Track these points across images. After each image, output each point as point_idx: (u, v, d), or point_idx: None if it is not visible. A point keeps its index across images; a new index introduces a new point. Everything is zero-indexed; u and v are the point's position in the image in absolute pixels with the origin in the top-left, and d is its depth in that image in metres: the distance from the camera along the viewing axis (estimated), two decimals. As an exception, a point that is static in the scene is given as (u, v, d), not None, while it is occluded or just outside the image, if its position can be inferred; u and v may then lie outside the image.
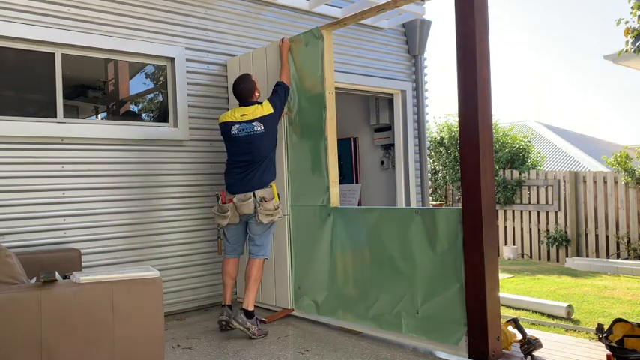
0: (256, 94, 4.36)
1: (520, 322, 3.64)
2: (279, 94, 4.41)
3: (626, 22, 5.28)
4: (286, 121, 4.70)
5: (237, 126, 4.25)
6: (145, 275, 2.99)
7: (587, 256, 9.74)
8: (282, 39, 4.67)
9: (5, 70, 4.29)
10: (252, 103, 4.30)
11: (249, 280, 4.18)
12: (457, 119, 3.72)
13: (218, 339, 4.06)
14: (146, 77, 5.11)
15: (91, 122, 4.74)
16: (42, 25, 4.30)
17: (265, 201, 4.14)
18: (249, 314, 4.06)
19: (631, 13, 5.22)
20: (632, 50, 5.24)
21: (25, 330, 2.61)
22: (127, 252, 4.68)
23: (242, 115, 4.25)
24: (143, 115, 5.14)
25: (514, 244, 10.72)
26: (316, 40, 4.43)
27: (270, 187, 4.23)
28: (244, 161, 4.22)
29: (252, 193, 4.15)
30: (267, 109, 4.25)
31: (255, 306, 4.91)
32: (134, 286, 2.94)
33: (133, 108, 5.16)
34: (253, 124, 4.21)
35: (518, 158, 11.57)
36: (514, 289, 6.75)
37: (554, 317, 5.36)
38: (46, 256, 3.93)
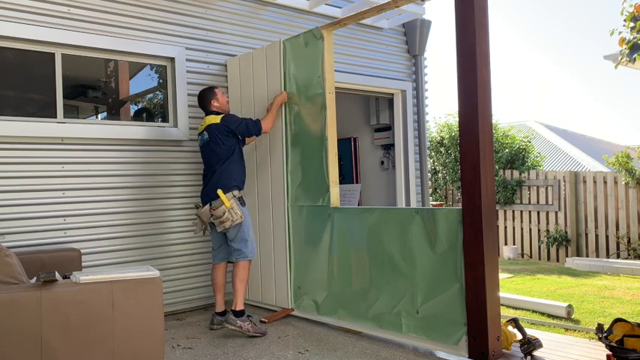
0: (214, 103, 4.39)
1: (520, 322, 3.64)
2: (244, 118, 4.39)
3: (620, 33, 5.27)
4: (286, 121, 4.70)
5: (198, 136, 4.46)
6: (145, 275, 2.99)
7: (587, 256, 9.74)
8: (282, 92, 4.64)
9: (5, 70, 4.29)
10: (210, 113, 4.39)
11: (234, 281, 4.21)
12: (457, 119, 3.72)
13: (218, 339, 4.07)
14: (146, 77, 5.11)
15: (91, 122, 4.73)
16: (42, 25, 4.30)
17: (214, 209, 4.17)
18: (238, 313, 4.10)
19: (624, 25, 5.20)
20: (628, 60, 5.24)
21: (25, 330, 2.61)
22: (127, 252, 4.69)
23: (201, 126, 4.44)
24: (143, 115, 5.14)
25: (514, 244, 10.72)
26: (316, 40, 4.43)
27: (219, 195, 4.19)
28: (204, 171, 4.41)
29: (208, 204, 4.23)
30: (215, 119, 4.30)
31: (254, 306, 4.91)
32: (134, 286, 2.93)
33: (133, 108, 5.16)
34: (204, 133, 4.35)
35: (518, 158, 11.57)
36: (514, 289, 6.76)
37: (554, 317, 5.36)
38: (46, 256, 3.93)
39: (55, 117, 4.41)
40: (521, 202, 10.76)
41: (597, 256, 9.59)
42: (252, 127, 4.37)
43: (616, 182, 9.49)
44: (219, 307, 4.37)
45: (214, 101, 4.40)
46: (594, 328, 4.04)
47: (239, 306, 4.12)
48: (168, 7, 4.97)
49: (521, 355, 3.46)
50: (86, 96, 4.76)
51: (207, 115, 4.39)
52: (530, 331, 3.88)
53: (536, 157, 12.26)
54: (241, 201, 4.27)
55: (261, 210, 4.92)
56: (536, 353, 3.49)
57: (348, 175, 7.52)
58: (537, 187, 10.55)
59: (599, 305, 5.82)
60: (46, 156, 4.33)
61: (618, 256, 9.29)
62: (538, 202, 10.52)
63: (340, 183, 5.71)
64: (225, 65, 5.32)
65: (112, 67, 4.89)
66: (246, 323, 4.06)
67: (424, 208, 5.68)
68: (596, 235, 9.72)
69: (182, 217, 4.98)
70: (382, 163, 7.26)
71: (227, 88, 5.29)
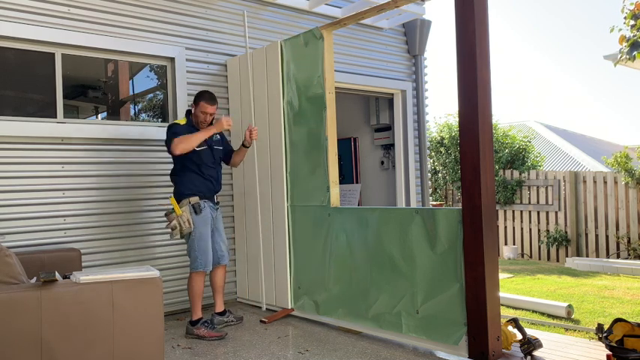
0: (193, 110, 4.23)
1: (520, 322, 3.64)
2: (174, 133, 4.08)
3: (620, 30, 5.28)
4: (286, 121, 4.70)
5: None
6: (145, 275, 2.99)
7: (587, 256, 9.74)
8: (221, 120, 4.18)
9: (5, 70, 4.29)
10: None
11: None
12: (457, 119, 3.72)
13: (218, 339, 4.06)
14: (146, 77, 5.11)
15: (91, 122, 4.74)
16: (42, 25, 4.30)
17: (166, 215, 4.15)
18: (193, 323, 4.15)
19: (624, 23, 5.21)
20: (628, 58, 5.24)
21: (25, 330, 2.61)
22: (127, 252, 4.68)
23: None
24: (143, 115, 5.14)
25: (514, 244, 10.72)
26: (316, 40, 4.43)
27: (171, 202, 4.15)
28: None
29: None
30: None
31: (255, 306, 4.90)
32: (134, 286, 2.93)
33: (133, 108, 5.16)
34: None
35: (518, 158, 11.57)
36: (514, 289, 6.75)
37: (554, 317, 5.36)
38: (46, 256, 3.93)
39: (55, 117, 4.41)
40: (521, 202, 10.76)
41: (597, 256, 9.59)
42: (167, 146, 4.11)
43: (616, 182, 9.49)
44: (219, 308, 4.38)
45: (193, 108, 4.22)
46: (594, 328, 4.04)
47: (194, 316, 4.17)
48: (168, 7, 4.97)
49: (521, 355, 3.46)
50: (86, 96, 4.76)
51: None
52: (530, 331, 3.88)
53: (536, 157, 12.26)
54: (196, 208, 4.10)
55: (261, 210, 4.92)
56: (536, 353, 3.49)
57: (348, 175, 7.52)
58: (537, 187, 10.55)
59: (599, 305, 5.82)
60: (46, 156, 4.33)
61: (618, 256, 9.29)
62: (538, 202, 10.52)
63: (340, 183, 5.71)
64: (225, 65, 5.32)
65: (112, 67, 4.89)
66: (201, 330, 4.11)
67: (424, 208, 5.68)
68: (596, 235, 9.72)
69: (182, 217, 4.98)
70: (382, 163, 7.26)
71: (227, 88, 5.29)
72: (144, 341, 2.94)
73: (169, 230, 4.09)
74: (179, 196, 4.13)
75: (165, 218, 4.23)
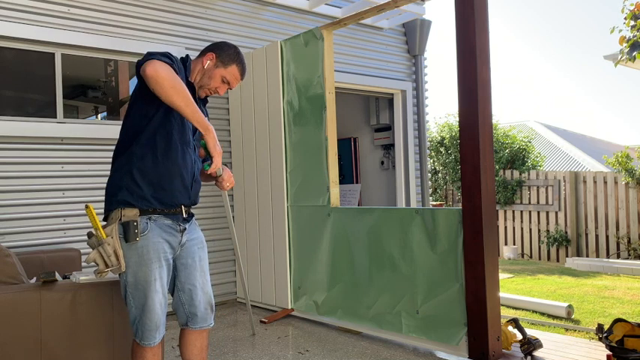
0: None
1: (520, 322, 3.64)
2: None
3: (620, 31, 5.30)
4: (286, 121, 4.70)
5: None
6: (145, 275, 2.98)
7: (587, 256, 9.74)
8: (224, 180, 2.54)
9: (5, 70, 4.29)
10: None
11: None
12: (457, 119, 3.72)
13: (217, 339, 4.06)
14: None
15: (91, 122, 4.73)
16: (42, 25, 4.30)
17: (88, 237, 2.27)
18: None
19: (625, 23, 5.23)
20: (628, 59, 5.26)
21: (25, 330, 2.61)
22: (127, 252, 4.68)
23: None
24: (143, 115, 5.14)
25: (514, 244, 10.72)
26: (316, 40, 4.43)
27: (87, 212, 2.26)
28: None
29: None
30: None
31: (254, 306, 4.90)
32: (134, 286, 2.93)
33: (133, 108, 5.16)
34: None
35: (518, 158, 11.57)
36: (514, 289, 6.75)
37: (554, 317, 5.36)
38: (46, 256, 3.92)
39: (55, 117, 4.41)
40: (521, 202, 10.76)
41: (597, 256, 9.59)
42: (138, 66, 2.24)
43: (616, 182, 9.49)
44: None
45: (207, 61, 2.60)
46: (594, 328, 4.04)
47: None
48: (168, 7, 4.97)
49: (522, 355, 3.46)
50: (86, 96, 4.76)
51: None
52: (531, 331, 3.88)
53: (537, 157, 12.26)
54: (127, 229, 2.23)
55: (261, 210, 4.92)
56: (536, 353, 3.49)
57: (348, 175, 7.53)
58: (537, 187, 10.55)
59: (599, 305, 5.82)
60: (46, 156, 4.33)
61: (618, 256, 9.29)
62: (538, 202, 10.52)
63: (340, 183, 5.71)
64: (225, 65, 5.32)
65: (111, 67, 4.89)
66: None
67: (424, 208, 5.68)
68: (596, 235, 9.72)
69: (182, 217, 4.98)
70: (382, 163, 7.26)
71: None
72: (144, 341, 2.93)
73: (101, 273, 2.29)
74: (108, 203, 2.31)
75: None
